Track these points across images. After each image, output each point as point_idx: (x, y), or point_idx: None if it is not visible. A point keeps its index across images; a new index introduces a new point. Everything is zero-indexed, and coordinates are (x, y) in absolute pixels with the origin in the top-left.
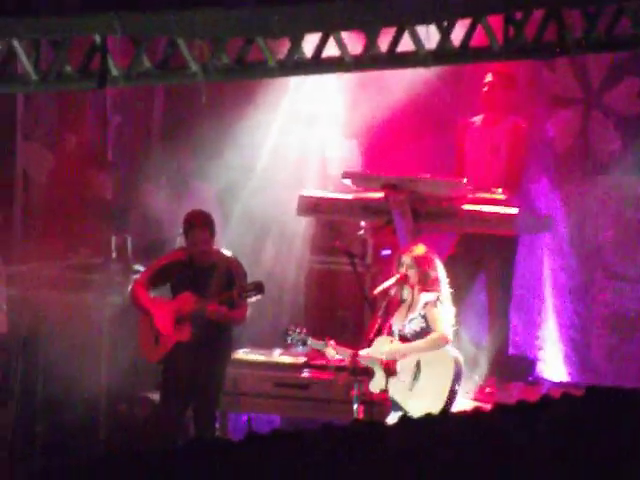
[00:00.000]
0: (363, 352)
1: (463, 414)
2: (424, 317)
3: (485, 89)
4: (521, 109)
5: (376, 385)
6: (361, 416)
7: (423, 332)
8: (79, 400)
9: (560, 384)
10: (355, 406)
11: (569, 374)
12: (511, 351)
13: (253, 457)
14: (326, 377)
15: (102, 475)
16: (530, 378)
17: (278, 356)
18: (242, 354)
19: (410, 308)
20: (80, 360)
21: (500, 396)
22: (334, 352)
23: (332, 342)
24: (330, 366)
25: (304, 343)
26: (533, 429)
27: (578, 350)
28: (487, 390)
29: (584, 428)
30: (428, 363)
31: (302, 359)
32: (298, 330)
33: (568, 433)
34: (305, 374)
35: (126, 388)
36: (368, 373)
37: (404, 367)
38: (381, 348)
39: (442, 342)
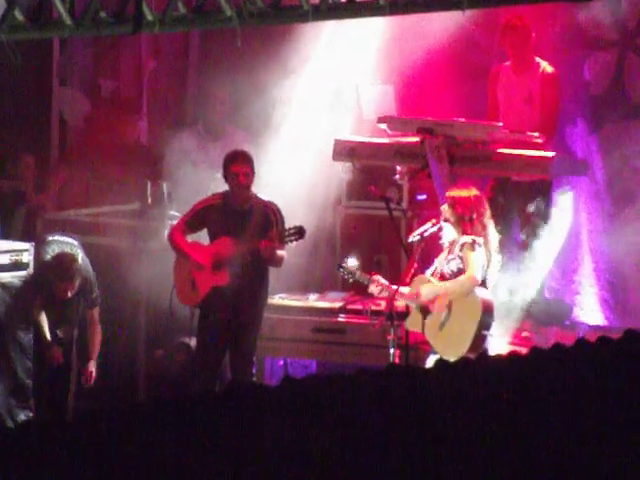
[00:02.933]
0: (404, 290)
1: (499, 358)
2: (461, 258)
3: (501, 45)
4: (556, 51)
5: (411, 322)
6: (397, 361)
7: (459, 272)
8: (117, 346)
9: (597, 328)
10: (391, 351)
11: (606, 318)
12: (548, 295)
13: (289, 402)
14: (362, 322)
15: (140, 421)
16: (567, 322)
17: (314, 301)
18: (278, 299)
19: (451, 249)
20: (118, 306)
21: (537, 340)
22: (376, 288)
23: (377, 277)
24: (366, 311)
25: (353, 276)
26: (570, 373)
27: (615, 294)
28: (524, 334)
29: (621, 371)
30: (458, 304)
31: (338, 304)
32: (351, 263)
33: (605, 376)
34: (341, 319)
35: (164, 334)
36: (404, 317)
37: (437, 306)
38: (418, 288)
39: (469, 283)
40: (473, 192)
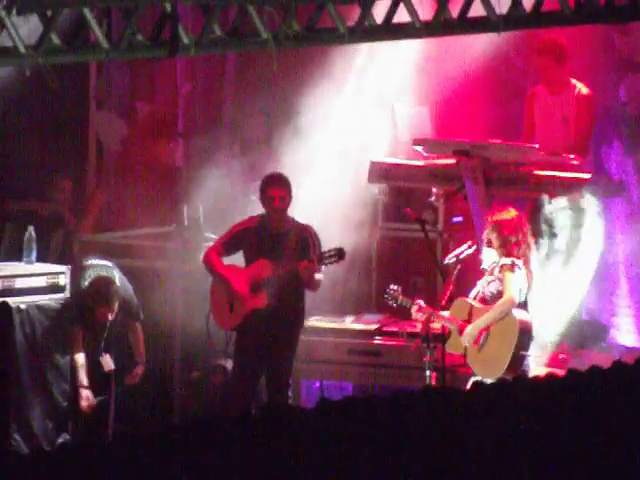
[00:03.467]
0: (443, 313)
1: (535, 380)
2: (500, 280)
3: (536, 67)
4: (592, 73)
5: (451, 345)
6: (434, 383)
7: (499, 294)
8: (153, 368)
9: (633, 350)
10: (427, 373)
11: None
12: (584, 317)
13: (326, 424)
14: (398, 344)
15: (175, 443)
16: (603, 344)
17: (350, 323)
18: (314, 321)
19: (491, 271)
20: (154, 328)
21: (573, 362)
22: (418, 313)
23: (419, 301)
24: (402, 333)
25: (396, 301)
26: (607, 395)
27: None
28: (560, 357)
29: None
30: (496, 326)
31: (374, 326)
32: (394, 288)
33: None
34: (377, 341)
35: (200, 356)
36: (440, 340)
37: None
38: (458, 313)
39: (507, 306)
40: (513, 213)
